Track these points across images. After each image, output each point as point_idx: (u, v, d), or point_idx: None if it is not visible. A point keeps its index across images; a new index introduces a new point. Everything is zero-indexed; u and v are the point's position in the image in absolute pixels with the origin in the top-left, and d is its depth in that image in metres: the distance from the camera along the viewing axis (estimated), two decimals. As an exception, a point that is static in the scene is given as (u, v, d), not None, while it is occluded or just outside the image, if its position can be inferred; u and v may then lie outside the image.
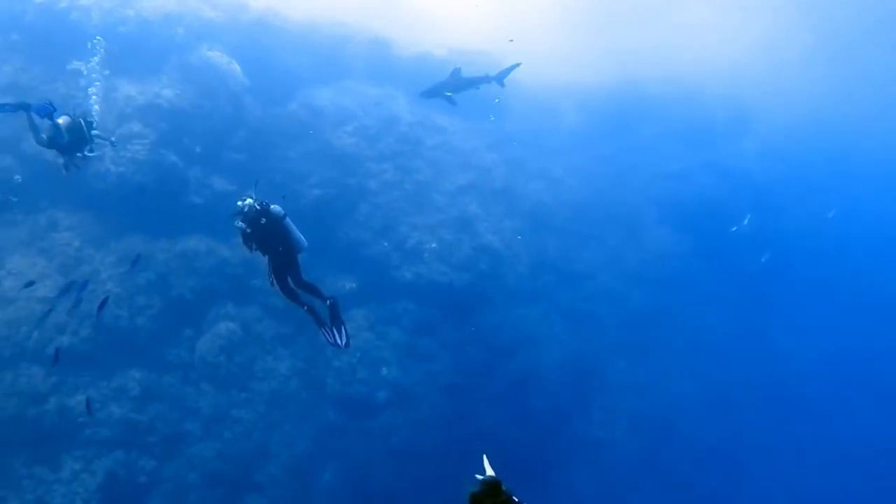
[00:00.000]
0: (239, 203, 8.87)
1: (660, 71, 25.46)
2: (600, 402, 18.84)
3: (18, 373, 13.69)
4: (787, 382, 21.36)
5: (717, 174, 23.90)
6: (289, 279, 9.39)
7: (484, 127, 21.41)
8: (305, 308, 9.54)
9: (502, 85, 14.70)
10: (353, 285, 17.04)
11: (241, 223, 8.86)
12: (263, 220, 8.87)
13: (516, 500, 3.33)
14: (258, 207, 8.87)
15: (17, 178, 9.93)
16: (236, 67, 18.42)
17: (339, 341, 9.80)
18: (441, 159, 19.66)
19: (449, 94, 14.50)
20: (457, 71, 14.40)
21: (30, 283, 13.65)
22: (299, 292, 9.49)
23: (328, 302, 9.46)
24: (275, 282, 9.32)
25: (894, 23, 29.38)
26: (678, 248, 21.70)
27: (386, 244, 17.53)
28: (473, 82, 14.57)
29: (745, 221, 21.60)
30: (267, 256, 9.23)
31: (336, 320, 9.57)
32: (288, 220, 9.15)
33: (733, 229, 21.51)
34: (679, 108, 24.66)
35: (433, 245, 17.51)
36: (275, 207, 9.12)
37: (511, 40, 16.54)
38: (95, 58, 15.28)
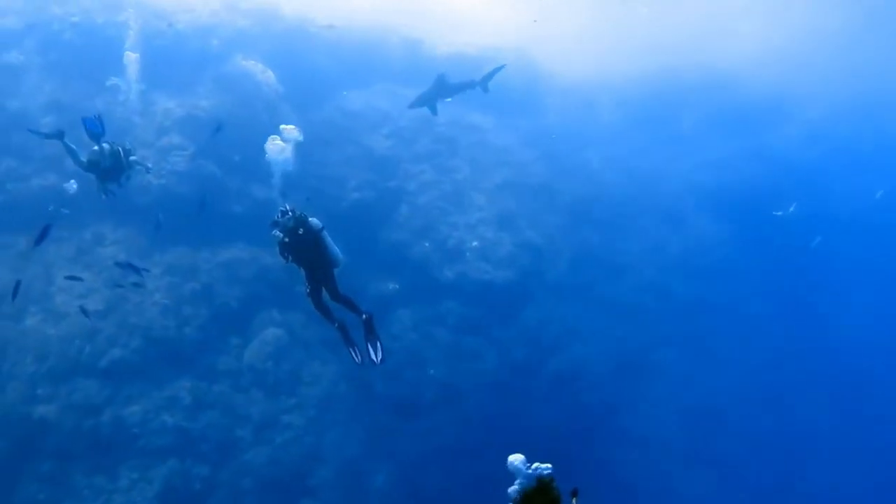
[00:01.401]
0: (279, 212, 8.98)
1: (695, 58, 25.02)
2: (648, 396, 18.54)
3: (74, 387, 13.94)
4: (842, 370, 20.74)
5: (759, 161, 23.41)
6: (324, 293, 9.44)
7: (519, 123, 21.28)
8: (336, 326, 9.52)
9: (486, 89, 14.60)
10: (397, 286, 17.05)
11: (278, 233, 8.94)
12: (301, 231, 8.92)
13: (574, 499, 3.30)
14: (296, 218, 8.92)
15: (72, 183, 10.11)
16: (271, 75, 18.57)
17: (374, 356, 9.70)
18: (478, 157, 19.58)
19: (449, 100, 14.54)
20: (441, 77, 14.34)
21: (84, 311, 13.83)
22: (333, 308, 9.56)
23: (364, 316, 9.43)
24: (308, 295, 9.45)
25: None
26: (721, 236, 21.31)
27: (427, 244, 17.50)
28: (459, 88, 14.51)
29: (791, 208, 21.08)
30: (303, 268, 9.32)
31: (371, 335, 9.51)
32: (325, 233, 9.17)
33: (779, 214, 20.98)
34: (717, 95, 24.22)
35: (474, 243, 17.43)
36: (313, 220, 9.12)
37: (535, 21, 16.23)
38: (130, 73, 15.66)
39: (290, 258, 9.09)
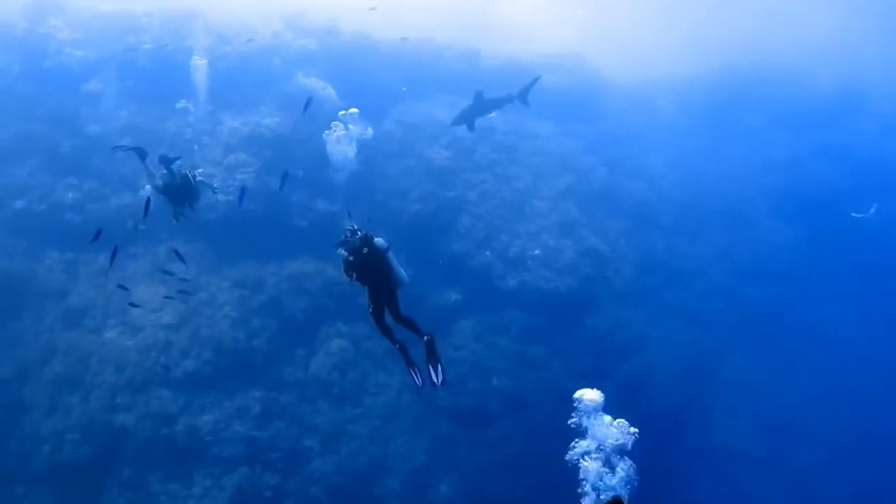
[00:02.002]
0: (346, 231, 8.90)
1: (757, 56, 24.41)
2: (719, 405, 18.04)
3: (150, 396, 14.51)
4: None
5: (832, 159, 22.59)
6: (386, 312, 9.58)
7: (579, 129, 21.13)
8: (398, 346, 9.57)
9: (526, 103, 14.31)
10: (459, 297, 17.12)
11: (343, 252, 8.88)
12: (365, 251, 8.85)
13: None
14: (362, 238, 8.88)
15: (147, 189, 10.41)
16: (331, 91, 18.95)
17: (435, 379, 9.67)
18: (539, 165, 19.52)
19: (492, 115, 14.46)
20: (479, 94, 14.22)
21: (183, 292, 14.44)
22: (395, 328, 9.39)
23: (425, 338, 9.25)
24: (370, 313, 9.45)
25: None
26: (794, 239, 20.61)
27: (488, 254, 17.51)
28: (498, 103, 14.31)
29: (872, 210, 20.16)
30: (366, 287, 9.20)
31: (432, 357, 9.46)
32: (390, 253, 9.08)
33: (858, 216, 20.11)
34: (782, 91, 23.53)
35: (536, 251, 17.36)
36: (378, 240, 9.24)
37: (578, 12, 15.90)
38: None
39: (355, 276, 8.97)
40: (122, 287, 13.76)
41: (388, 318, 9.57)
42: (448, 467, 15.59)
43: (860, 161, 22.65)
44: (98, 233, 10.81)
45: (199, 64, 17.74)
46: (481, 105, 14.23)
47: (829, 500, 17.89)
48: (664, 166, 21.09)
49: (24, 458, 14.05)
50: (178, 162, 10.24)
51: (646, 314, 18.02)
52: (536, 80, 14.24)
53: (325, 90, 18.99)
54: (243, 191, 15.04)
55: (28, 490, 13.84)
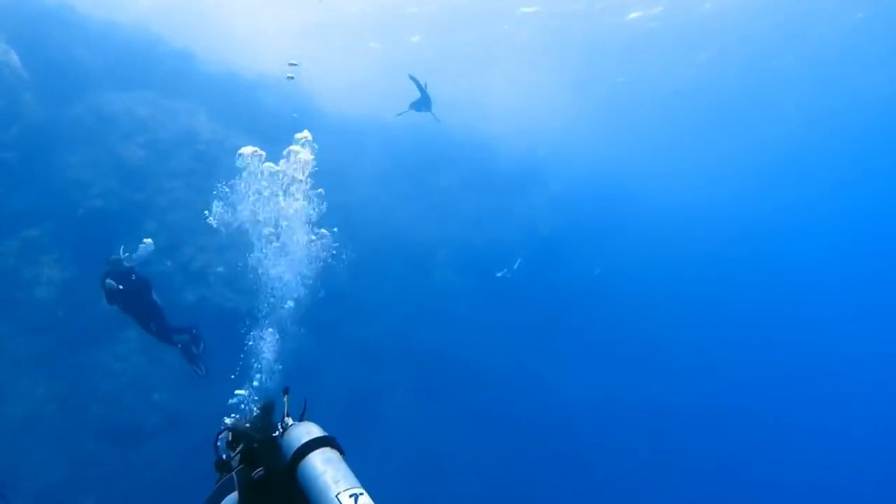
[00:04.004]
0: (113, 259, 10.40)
1: (461, 118, 26.77)
2: (375, 439, 18.99)
3: None
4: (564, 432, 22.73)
5: (507, 221, 25.45)
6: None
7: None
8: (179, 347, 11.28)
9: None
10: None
11: (111, 281, 10.06)
12: (133, 277, 10.26)
13: None
14: (129, 266, 10.34)
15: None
16: (14, 58, 16.91)
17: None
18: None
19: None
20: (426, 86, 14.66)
21: None
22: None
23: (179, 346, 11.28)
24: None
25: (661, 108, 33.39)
26: (463, 288, 22.73)
27: (169, 264, 16.76)
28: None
29: (516, 265, 23.10)
30: (131, 315, 10.71)
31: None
32: None
33: (499, 274, 22.91)
34: (474, 156, 26.06)
35: (220, 269, 17.02)
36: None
37: (293, 64, 16.55)
38: None
39: (120, 306, 10.25)
40: None
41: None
42: (89, 487, 14.46)
43: (528, 226, 25.93)
44: None
45: None
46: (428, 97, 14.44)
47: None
48: (359, 204, 22.01)
49: None
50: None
51: (321, 344, 18.51)
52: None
53: (6, 54, 16.87)
54: None
55: None
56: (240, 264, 17.48)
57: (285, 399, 3.96)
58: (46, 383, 14.64)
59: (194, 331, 11.10)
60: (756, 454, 25.81)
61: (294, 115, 19.88)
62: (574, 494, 21.86)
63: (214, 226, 14.88)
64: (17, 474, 13.77)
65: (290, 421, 3.85)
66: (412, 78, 15.55)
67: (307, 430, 3.60)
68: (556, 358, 24.17)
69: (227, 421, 4.24)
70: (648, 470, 23.33)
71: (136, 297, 10.36)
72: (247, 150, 11.66)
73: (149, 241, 13.59)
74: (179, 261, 16.93)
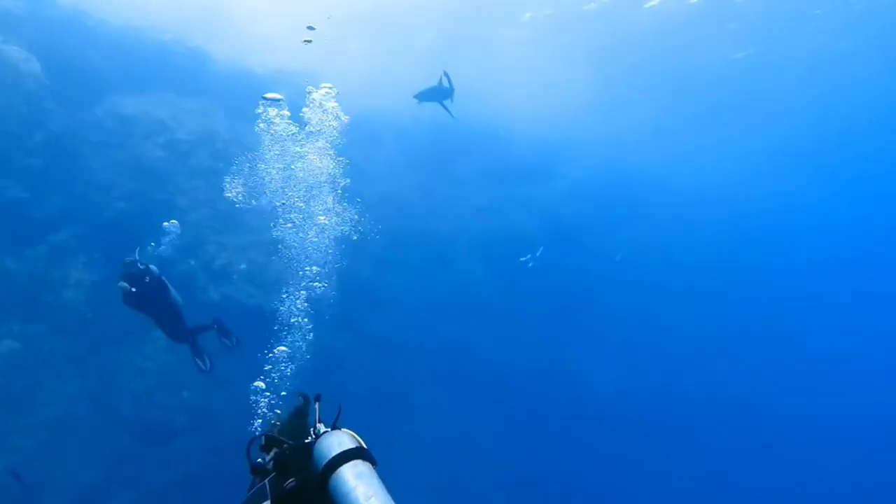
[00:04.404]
0: (126, 262, 10.32)
1: (477, 107, 26.72)
2: (404, 429, 19.22)
3: None
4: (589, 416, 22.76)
5: (526, 210, 25.43)
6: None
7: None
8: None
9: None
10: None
11: (124, 284, 10.02)
12: (147, 280, 10.16)
13: None
14: (143, 269, 10.15)
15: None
16: (36, 65, 17.15)
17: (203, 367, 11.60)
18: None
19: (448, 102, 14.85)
20: (447, 76, 14.77)
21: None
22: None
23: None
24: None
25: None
26: (485, 278, 22.78)
27: (192, 262, 16.99)
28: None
29: (538, 253, 23.08)
30: (150, 316, 10.75)
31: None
32: (164, 278, 10.59)
33: (524, 259, 22.90)
34: (490, 145, 26.01)
35: (243, 266, 17.21)
36: (153, 267, 10.52)
37: (311, 28, 16.42)
38: None
39: (135, 307, 10.26)
40: None
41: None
42: (124, 484, 14.77)
43: (548, 214, 25.89)
44: None
45: None
46: (449, 89, 14.50)
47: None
48: (378, 197, 22.11)
49: None
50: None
51: (345, 338, 18.70)
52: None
53: (28, 63, 17.12)
54: None
55: None
56: (263, 258, 17.81)
57: (317, 406, 3.96)
58: (79, 383, 14.93)
59: (216, 326, 11.29)
60: (791, 447, 25.61)
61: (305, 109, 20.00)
62: (600, 484, 21.94)
63: (235, 202, 15.15)
64: (53, 473, 14.09)
65: (321, 427, 3.85)
66: (446, 74, 15.63)
67: (338, 441, 3.57)
68: (579, 345, 24.19)
69: (264, 420, 4.31)
70: (672, 460, 23.35)
71: (151, 299, 10.46)
72: (271, 95, 11.75)
73: (174, 221, 13.89)
74: (202, 259, 17.14)
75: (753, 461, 24.84)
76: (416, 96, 16.14)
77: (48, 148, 16.67)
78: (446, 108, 15.98)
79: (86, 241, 16.11)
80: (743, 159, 39.00)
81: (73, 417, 14.65)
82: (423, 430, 19.21)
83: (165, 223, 14.21)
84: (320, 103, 12.60)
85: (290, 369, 11.55)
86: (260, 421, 9.68)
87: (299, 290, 14.32)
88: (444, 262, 22.25)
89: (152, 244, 12.18)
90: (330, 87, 12.29)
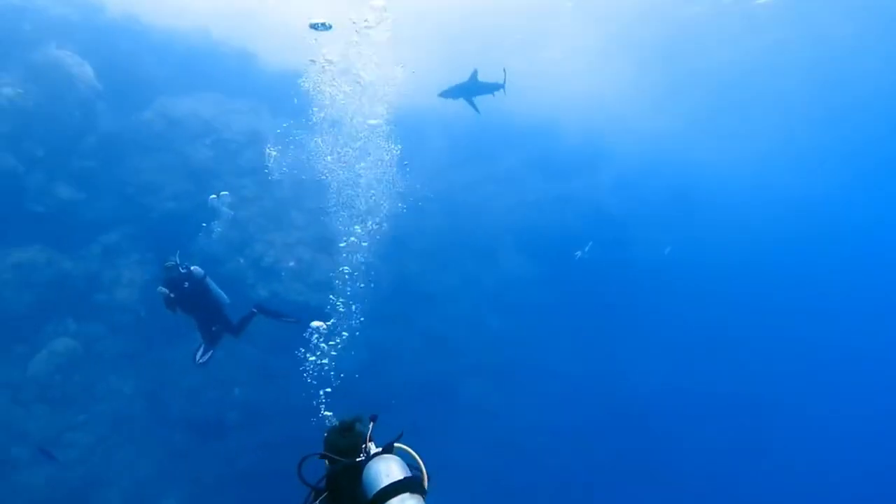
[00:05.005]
0: (165, 266, 10.39)
1: (518, 101, 26.40)
2: (454, 425, 19.13)
3: None
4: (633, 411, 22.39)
5: (572, 205, 25.07)
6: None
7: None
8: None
9: (504, 91, 15.11)
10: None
11: (163, 289, 10.10)
12: (186, 285, 10.18)
13: None
14: (184, 273, 10.25)
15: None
16: (88, 70, 17.50)
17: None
18: (302, 176, 19.46)
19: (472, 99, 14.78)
20: (475, 74, 14.56)
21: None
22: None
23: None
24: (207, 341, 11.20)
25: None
26: (532, 274, 22.52)
27: (242, 260, 17.14)
28: (489, 88, 14.91)
29: (587, 248, 22.71)
30: (193, 317, 10.84)
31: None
32: (208, 279, 10.57)
33: (576, 254, 22.54)
34: (536, 139, 25.70)
35: (291, 263, 17.31)
36: (195, 269, 10.54)
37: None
38: None
39: (179, 310, 10.32)
40: None
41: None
42: (177, 480, 14.98)
43: (593, 209, 25.47)
44: None
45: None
46: (475, 84, 14.43)
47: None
48: (423, 194, 21.99)
49: None
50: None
51: (393, 333, 18.67)
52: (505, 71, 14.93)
53: (81, 67, 17.48)
54: None
55: None
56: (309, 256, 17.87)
57: (371, 425, 3.88)
58: (133, 381, 15.19)
59: (256, 311, 11.24)
60: (857, 447, 24.73)
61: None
62: (645, 481, 21.53)
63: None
64: (108, 468, 14.35)
65: (373, 447, 3.77)
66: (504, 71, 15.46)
67: (387, 470, 3.48)
68: (627, 341, 23.77)
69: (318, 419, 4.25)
70: (722, 462, 22.80)
71: (191, 302, 10.43)
72: (318, 20, 11.42)
73: (225, 193, 13.85)
74: (251, 257, 17.29)
75: (813, 467, 24.02)
76: (441, 94, 15.92)
77: (100, 150, 17.02)
78: (472, 104, 15.71)
79: (137, 240, 16.40)
80: (796, 154, 37.85)
81: (127, 414, 14.93)
82: (470, 424, 19.07)
83: (213, 196, 13.91)
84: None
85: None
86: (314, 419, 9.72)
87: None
88: (491, 258, 22.06)
89: (203, 225, 12.07)
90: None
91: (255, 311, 11.24)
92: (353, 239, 15.62)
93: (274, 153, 17.55)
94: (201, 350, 11.35)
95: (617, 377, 22.89)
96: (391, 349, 18.40)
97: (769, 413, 25.20)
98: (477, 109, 15.70)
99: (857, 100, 34.05)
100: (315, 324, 11.33)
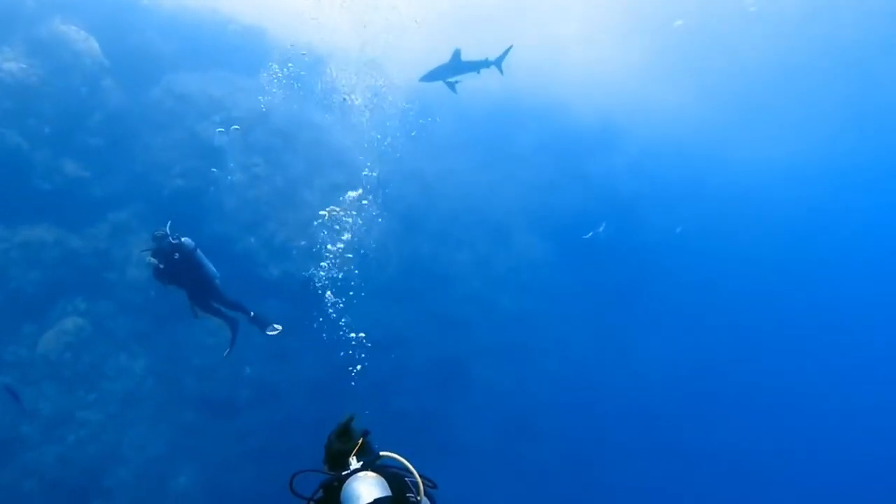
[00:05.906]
0: (155, 235, 10.04)
1: (532, 81, 26.01)
2: (466, 405, 19.00)
3: None
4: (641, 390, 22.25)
5: (585, 186, 24.74)
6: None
7: (358, 126, 21.16)
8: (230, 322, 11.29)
9: (501, 71, 14.70)
10: (217, 281, 16.33)
11: (152, 259, 9.83)
12: (177, 256, 9.80)
13: None
14: (174, 243, 9.79)
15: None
16: (95, 45, 17.21)
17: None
18: (314, 156, 19.19)
19: (452, 80, 14.39)
20: (457, 54, 14.18)
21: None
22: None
23: (252, 314, 11.11)
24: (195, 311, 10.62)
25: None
26: (545, 255, 22.29)
27: (253, 240, 16.90)
28: (474, 66, 14.46)
29: (601, 228, 22.45)
30: (183, 289, 10.37)
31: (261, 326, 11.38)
32: (199, 252, 10.24)
33: (587, 236, 22.30)
34: (549, 120, 25.34)
35: (303, 242, 17.05)
36: (186, 240, 10.07)
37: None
38: None
39: (168, 281, 10.03)
40: None
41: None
42: (189, 458, 14.86)
43: (607, 190, 25.12)
44: None
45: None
46: (457, 65, 14.06)
47: (557, 499, 19.59)
48: (437, 174, 21.73)
49: None
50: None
51: (405, 314, 18.46)
52: (509, 49, 14.49)
53: (86, 42, 17.18)
54: None
55: None
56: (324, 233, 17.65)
57: (360, 441, 3.75)
58: (144, 359, 15.04)
59: (252, 313, 10.84)
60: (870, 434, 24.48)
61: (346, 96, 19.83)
62: (657, 461, 21.43)
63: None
64: (120, 446, 14.22)
65: (353, 462, 3.66)
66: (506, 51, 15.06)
67: (368, 490, 3.37)
68: (640, 321, 23.57)
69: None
70: (733, 444, 22.63)
71: (181, 274, 9.98)
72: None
73: (235, 127, 13.41)
74: (262, 237, 17.06)
75: (827, 455, 23.81)
76: (422, 79, 15.52)
77: (108, 127, 16.77)
78: (450, 86, 15.30)
79: (147, 219, 16.15)
80: (812, 136, 37.25)
81: (138, 393, 14.79)
82: (482, 404, 18.94)
83: (220, 129, 13.47)
84: None
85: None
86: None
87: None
88: (504, 239, 21.80)
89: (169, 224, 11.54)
90: None
91: (252, 314, 10.91)
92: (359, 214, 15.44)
93: None
94: (229, 348, 11.40)
95: (629, 358, 22.75)
96: (403, 329, 18.19)
97: (779, 392, 25.03)
98: (454, 90, 15.28)
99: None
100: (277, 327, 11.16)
